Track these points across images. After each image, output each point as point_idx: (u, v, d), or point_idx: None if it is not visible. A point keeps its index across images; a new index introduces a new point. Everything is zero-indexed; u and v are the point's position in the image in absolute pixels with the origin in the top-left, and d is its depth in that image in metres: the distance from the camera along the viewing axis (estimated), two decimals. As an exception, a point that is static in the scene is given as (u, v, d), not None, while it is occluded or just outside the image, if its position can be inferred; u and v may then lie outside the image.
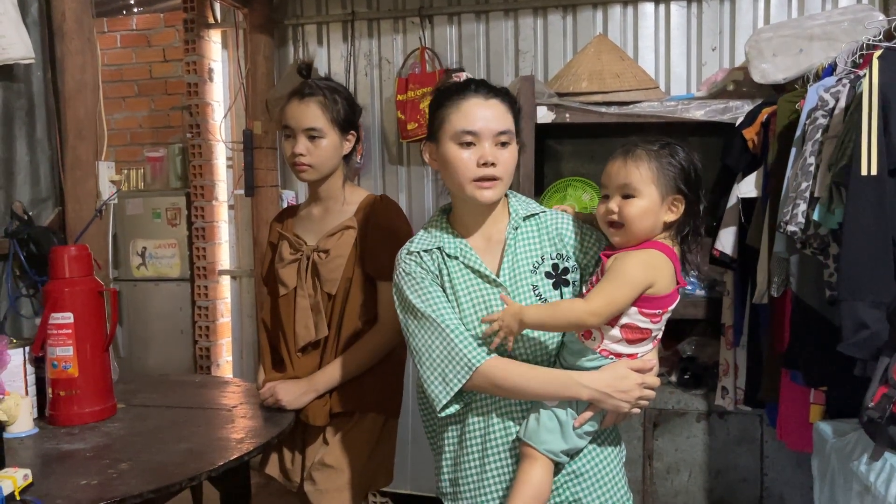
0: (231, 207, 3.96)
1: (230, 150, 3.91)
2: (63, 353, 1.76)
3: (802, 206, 1.87)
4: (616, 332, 1.35)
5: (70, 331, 1.76)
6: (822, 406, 2.06)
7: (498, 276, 1.44)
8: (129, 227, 4.00)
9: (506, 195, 1.51)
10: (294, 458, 1.94)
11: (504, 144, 1.41)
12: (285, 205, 3.67)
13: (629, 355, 1.36)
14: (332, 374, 1.83)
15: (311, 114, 1.83)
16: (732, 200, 2.44)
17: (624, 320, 1.34)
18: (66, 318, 1.75)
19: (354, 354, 1.84)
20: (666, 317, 1.38)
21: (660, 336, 1.42)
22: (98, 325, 1.81)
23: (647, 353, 1.39)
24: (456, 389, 1.35)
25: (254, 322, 3.88)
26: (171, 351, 4.00)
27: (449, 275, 1.44)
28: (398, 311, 1.47)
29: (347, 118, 1.89)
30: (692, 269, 1.42)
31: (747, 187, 2.35)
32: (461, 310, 1.42)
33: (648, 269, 1.32)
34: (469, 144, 1.39)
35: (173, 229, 3.96)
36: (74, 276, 1.79)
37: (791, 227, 1.88)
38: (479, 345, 1.37)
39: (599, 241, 1.48)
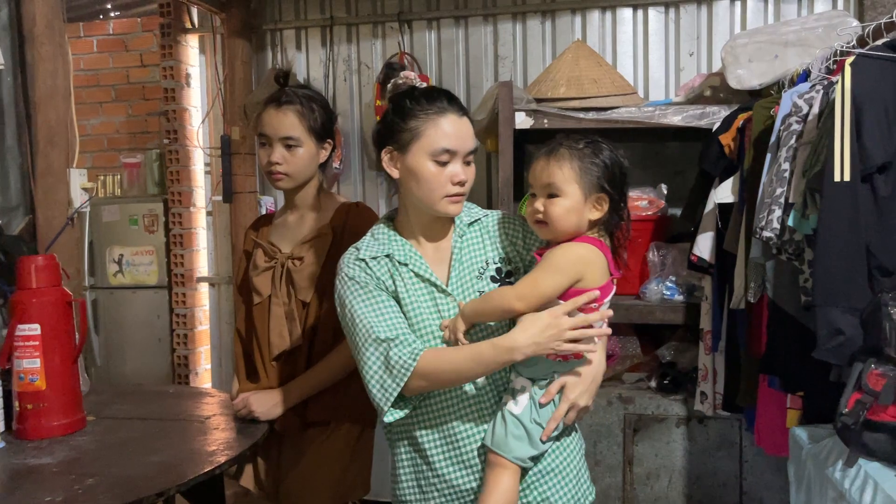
0: (209, 214, 3.92)
1: (208, 156, 3.88)
2: (30, 365, 1.72)
3: (778, 212, 1.87)
4: None
5: (37, 342, 1.72)
6: (798, 411, 2.06)
7: (447, 284, 1.44)
8: (106, 234, 3.95)
9: None
10: (269, 469, 1.92)
11: (469, 163, 1.44)
12: (264, 211, 3.64)
13: (575, 354, 1.35)
14: (306, 383, 1.81)
15: (288, 122, 1.81)
16: (710, 206, 2.45)
17: None
18: (33, 329, 1.72)
19: (329, 363, 1.82)
20: (604, 308, 1.37)
21: (605, 327, 1.41)
22: (66, 337, 1.77)
23: (595, 347, 1.38)
24: (395, 395, 1.34)
25: (232, 329, 3.84)
26: (149, 359, 3.95)
27: (403, 281, 1.43)
28: (339, 318, 1.45)
29: (324, 126, 1.87)
30: (621, 267, 1.42)
31: (724, 193, 2.36)
32: (414, 318, 1.41)
33: (579, 262, 1.33)
34: (445, 163, 1.39)
35: (150, 236, 3.91)
36: (42, 286, 1.75)
37: (766, 233, 1.88)
38: (415, 349, 1.35)
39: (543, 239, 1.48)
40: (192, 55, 3.86)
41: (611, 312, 1.36)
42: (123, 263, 3.93)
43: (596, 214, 1.37)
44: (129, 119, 4.46)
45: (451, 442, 1.43)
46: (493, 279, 1.45)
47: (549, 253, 1.36)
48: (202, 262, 3.94)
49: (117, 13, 4.38)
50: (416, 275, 1.43)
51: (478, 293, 1.43)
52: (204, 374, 3.95)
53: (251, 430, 1.78)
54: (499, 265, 1.47)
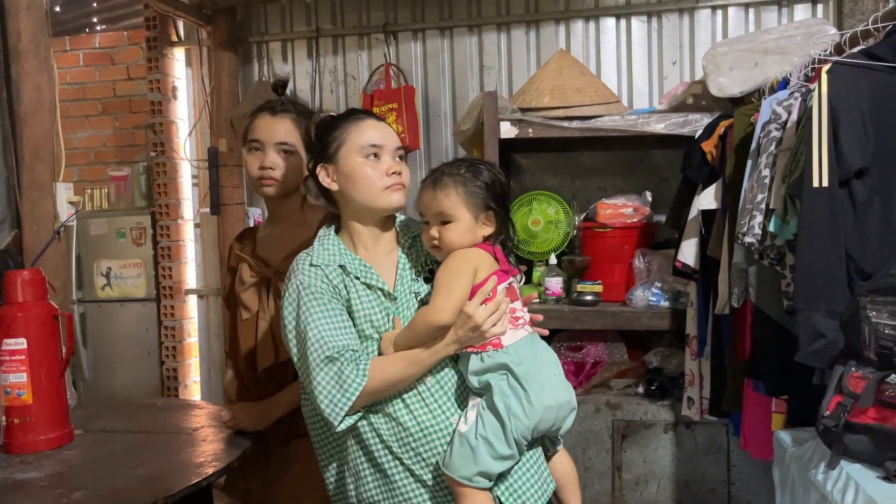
0: (197, 226, 3.93)
1: (195, 168, 3.89)
2: (16, 379, 1.71)
3: (759, 218, 1.90)
4: None
5: (24, 357, 1.71)
6: (783, 415, 2.08)
7: (393, 289, 1.49)
8: (94, 248, 3.94)
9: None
10: (257, 480, 1.92)
11: (401, 158, 1.51)
12: (251, 223, 3.65)
13: (494, 344, 1.42)
14: (294, 394, 1.80)
15: (285, 128, 1.83)
16: (693, 212, 2.47)
17: None
18: (20, 343, 1.71)
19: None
20: (500, 290, 1.44)
21: (517, 311, 1.47)
22: (53, 351, 1.77)
23: (510, 330, 1.44)
24: (345, 410, 1.39)
25: (221, 341, 3.84)
26: (138, 372, 3.93)
27: (356, 292, 1.47)
28: (286, 320, 1.47)
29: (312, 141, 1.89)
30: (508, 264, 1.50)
31: (707, 199, 2.38)
32: (363, 327, 1.46)
33: (470, 259, 1.42)
34: (376, 156, 1.47)
35: (138, 249, 3.91)
36: (28, 300, 1.74)
37: (748, 239, 1.90)
38: (361, 366, 1.39)
39: None
40: (179, 68, 3.87)
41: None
42: (111, 276, 3.92)
43: (488, 230, 1.46)
44: (116, 132, 4.46)
45: (400, 423, 1.44)
46: (426, 280, 1.52)
47: (444, 263, 1.44)
48: (190, 274, 3.94)
49: (103, 27, 4.39)
50: (367, 285, 1.48)
51: (413, 295, 1.49)
52: (193, 386, 3.95)
53: (239, 441, 1.77)
54: (432, 266, 1.52)
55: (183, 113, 3.88)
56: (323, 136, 1.51)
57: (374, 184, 1.46)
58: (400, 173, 1.48)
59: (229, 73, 3.62)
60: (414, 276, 1.52)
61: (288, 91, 3.60)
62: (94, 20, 4.30)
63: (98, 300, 3.95)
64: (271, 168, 1.81)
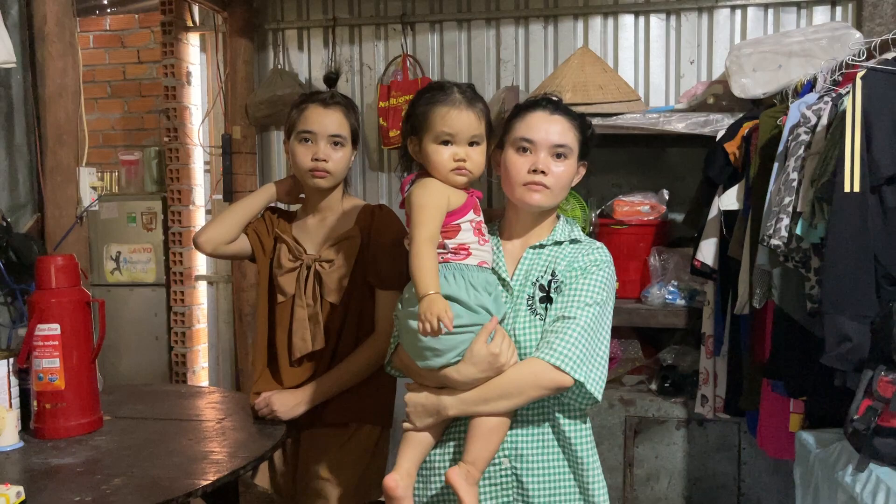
0: (209, 212, 3.92)
1: (208, 155, 3.87)
2: (49, 364, 1.72)
3: (785, 221, 1.91)
4: None
5: (57, 342, 1.72)
6: (801, 415, 2.11)
7: (511, 278, 1.52)
8: (104, 231, 3.92)
9: (558, 216, 1.60)
10: (286, 468, 1.93)
11: (559, 156, 1.48)
12: (264, 210, 3.64)
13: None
14: (328, 384, 1.82)
15: (338, 121, 1.84)
16: (714, 212, 2.49)
17: None
18: (53, 329, 1.72)
19: (351, 365, 1.83)
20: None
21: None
22: (85, 337, 1.78)
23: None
24: None
25: (230, 328, 3.85)
26: (146, 357, 3.93)
27: None
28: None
29: (357, 132, 1.91)
30: None
31: (729, 200, 2.40)
32: None
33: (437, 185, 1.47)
34: (525, 150, 1.47)
35: (149, 234, 3.89)
36: (61, 286, 1.75)
37: (774, 241, 1.92)
38: None
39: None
40: (194, 53, 3.85)
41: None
42: (121, 261, 3.91)
43: None
44: (125, 115, 4.44)
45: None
46: (540, 288, 1.49)
47: (415, 198, 1.46)
48: (201, 260, 3.93)
49: (114, 9, 4.35)
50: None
51: (526, 297, 1.49)
52: (201, 372, 3.95)
53: (270, 430, 1.78)
54: (549, 279, 1.50)
55: (197, 99, 3.86)
56: (508, 120, 1.55)
57: (514, 178, 1.50)
58: (545, 172, 1.46)
59: (244, 60, 3.61)
60: (533, 281, 1.54)
61: (303, 79, 3.63)
62: (105, 2, 4.26)
63: (107, 284, 3.94)
64: (324, 160, 1.81)
